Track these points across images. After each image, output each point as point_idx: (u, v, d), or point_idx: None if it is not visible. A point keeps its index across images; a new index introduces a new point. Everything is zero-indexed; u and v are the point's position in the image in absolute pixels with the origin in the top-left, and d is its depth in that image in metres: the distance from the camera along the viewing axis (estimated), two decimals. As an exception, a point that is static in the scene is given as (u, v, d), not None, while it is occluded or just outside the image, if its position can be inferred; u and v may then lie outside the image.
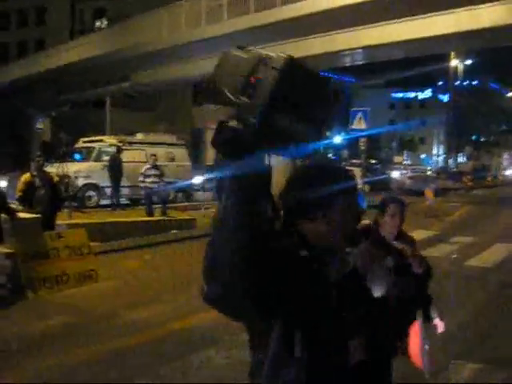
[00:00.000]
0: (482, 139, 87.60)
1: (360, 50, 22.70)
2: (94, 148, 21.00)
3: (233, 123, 1.31)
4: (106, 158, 19.87)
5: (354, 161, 30.78)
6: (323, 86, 1.48)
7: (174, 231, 14.09)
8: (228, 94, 1.33)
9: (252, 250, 1.33)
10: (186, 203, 21.33)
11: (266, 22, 22.15)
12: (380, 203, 3.88)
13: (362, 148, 16.48)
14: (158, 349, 5.98)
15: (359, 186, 15.89)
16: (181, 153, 23.45)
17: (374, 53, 23.69)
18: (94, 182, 19.61)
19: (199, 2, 25.81)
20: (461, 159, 65.76)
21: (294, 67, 1.33)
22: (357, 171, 19.90)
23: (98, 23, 49.25)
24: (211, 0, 25.56)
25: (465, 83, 65.62)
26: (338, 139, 40.07)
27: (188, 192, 23.42)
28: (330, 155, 55.02)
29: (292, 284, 1.49)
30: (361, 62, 27.11)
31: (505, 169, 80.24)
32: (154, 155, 17.13)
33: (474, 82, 79.12)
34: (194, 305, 7.72)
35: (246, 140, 1.30)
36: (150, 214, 15.96)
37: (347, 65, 28.11)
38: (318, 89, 1.44)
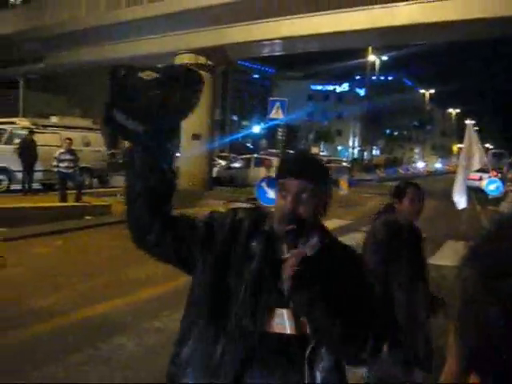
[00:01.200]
0: (395, 133, 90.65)
1: (278, 41, 22.85)
2: (5, 130, 20.14)
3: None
4: (19, 141, 19.12)
5: (272, 150, 31.10)
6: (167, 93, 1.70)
7: (88, 217, 13.78)
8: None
9: None
10: (102, 189, 20.91)
11: (185, 8, 21.96)
12: (395, 189, 3.79)
13: (280, 137, 16.65)
14: (68, 336, 5.84)
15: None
16: (97, 138, 22.92)
17: (292, 44, 23.90)
18: (4, 165, 18.82)
19: (119, -16, 25.28)
20: (375, 152, 67.69)
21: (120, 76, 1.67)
22: (275, 161, 20.17)
23: (12, -1, 47.13)
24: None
25: (381, 78, 67.58)
26: (256, 129, 40.38)
27: (103, 178, 22.96)
28: (248, 144, 55.24)
29: None
30: (279, 53, 27.37)
31: (415, 162, 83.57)
32: (69, 139, 16.63)
33: (390, 78, 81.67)
34: (104, 292, 7.62)
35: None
36: (64, 199, 15.53)
37: (266, 55, 28.26)
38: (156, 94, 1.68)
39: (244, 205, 17.02)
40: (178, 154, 26.82)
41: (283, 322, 1.79)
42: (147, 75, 1.67)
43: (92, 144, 22.07)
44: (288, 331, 1.78)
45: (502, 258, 0.55)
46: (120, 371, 5.09)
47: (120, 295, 7.48)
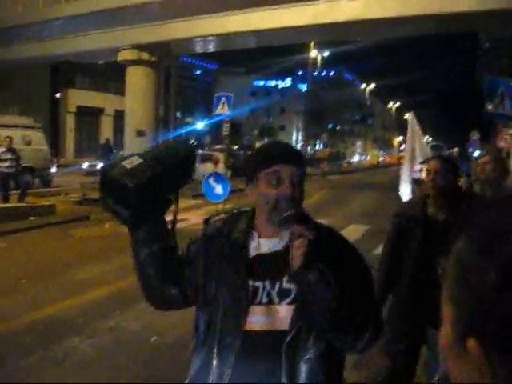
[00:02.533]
0: (337, 128, 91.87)
1: (221, 37, 22.85)
2: None
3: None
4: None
5: (217, 146, 31.07)
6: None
7: (32, 218, 13.47)
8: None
9: None
10: (44, 189, 20.46)
11: (127, 4, 21.69)
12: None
13: (226, 133, 16.65)
14: (18, 340, 5.72)
15: (223, 171, 16.08)
16: (38, 136, 22.38)
17: (235, 40, 23.93)
18: None
19: (58, -22, 24.73)
20: (318, 146, 68.44)
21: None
22: (220, 156, 20.15)
23: None
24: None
25: (323, 74, 68.37)
26: (200, 125, 40.19)
27: (45, 178, 22.45)
28: (192, 141, 54.86)
29: None
30: (222, 49, 27.41)
31: (357, 155, 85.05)
32: (9, 138, 16.18)
33: (331, 73, 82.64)
34: (53, 293, 7.49)
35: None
36: (5, 199, 15.12)
37: (209, 51, 28.24)
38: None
39: (193, 202, 16.96)
40: (121, 152, 26.49)
41: (259, 319, 1.82)
42: (130, 163, 1.87)
43: (33, 143, 21.55)
44: (265, 327, 1.81)
45: (492, 228, 0.60)
46: (73, 372, 5.03)
47: (69, 296, 7.36)
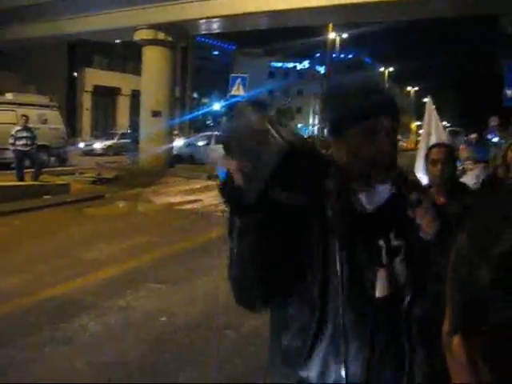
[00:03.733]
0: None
1: (238, 18, 22.57)
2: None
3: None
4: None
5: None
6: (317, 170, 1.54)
7: (47, 196, 13.54)
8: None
9: None
10: (60, 168, 20.56)
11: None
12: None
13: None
14: (28, 317, 5.75)
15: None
16: (54, 115, 22.44)
17: (251, 20, 23.55)
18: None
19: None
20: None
21: (291, 157, 1.37)
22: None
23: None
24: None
25: (341, 56, 67.78)
26: (216, 106, 40.12)
27: (62, 156, 22.56)
28: (208, 122, 54.83)
29: None
30: (239, 30, 27.16)
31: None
32: (25, 116, 16.22)
33: (350, 56, 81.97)
34: (65, 271, 7.52)
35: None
36: (21, 178, 15.20)
37: (226, 31, 28.02)
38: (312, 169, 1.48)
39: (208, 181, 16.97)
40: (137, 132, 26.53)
41: (384, 282, 1.61)
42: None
43: (49, 122, 21.63)
44: (387, 291, 1.60)
45: (488, 222, 0.57)
46: (82, 351, 5.04)
47: (80, 275, 7.38)
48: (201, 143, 29.05)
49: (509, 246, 0.53)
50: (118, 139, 33.89)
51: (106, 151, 31.99)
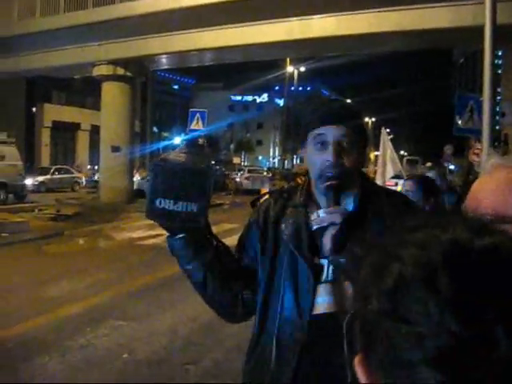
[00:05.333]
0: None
1: (198, 53, 22.92)
2: None
3: None
4: None
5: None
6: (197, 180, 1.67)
7: (5, 234, 13.31)
8: None
9: None
10: (18, 205, 20.24)
11: (103, 19, 21.65)
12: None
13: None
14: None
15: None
16: (12, 151, 22.18)
17: (211, 55, 24.06)
18: None
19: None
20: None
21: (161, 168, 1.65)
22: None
23: None
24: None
25: (299, 89, 68.78)
26: (177, 140, 40.15)
27: (20, 193, 22.23)
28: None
29: None
30: (191, 65, 27.50)
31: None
32: (-18, 153, 15.99)
33: (308, 88, 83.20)
34: (24, 310, 7.39)
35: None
36: (-23, 216, 14.91)
37: (186, 66, 28.27)
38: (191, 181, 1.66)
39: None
40: (96, 167, 26.33)
41: (326, 299, 1.63)
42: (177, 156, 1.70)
43: (6, 158, 21.36)
44: (332, 309, 1.61)
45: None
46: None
47: (40, 313, 7.27)
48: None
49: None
50: (52, 174, 32.22)
51: (38, 187, 29.50)
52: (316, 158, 1.67)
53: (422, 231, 0.60)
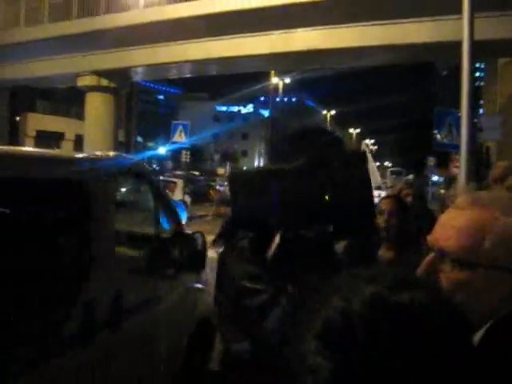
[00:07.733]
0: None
1: (182, 64, 23.00)
2: None
3: None
4: None
5: (178, 172, 31.06)
6: None
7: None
8: None
9: None
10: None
11: (87, 30, 21.67)
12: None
13: (184, 160, 16.71)
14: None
15: (179, 198, 16.05)
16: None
17: (196, 68, 24.24)
18: None
19: (18, 2, 24.64)
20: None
21: None
22: (179, 182, 20.07)
23: None
24: (31, 1, 24.49)
25: (285, 100, 69.12)
26: (162, 150, 40.08)
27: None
28: (154, 166, 54.48)
29: None
30: (183, 76, 27.53)
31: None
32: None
33: (293, 99, 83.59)
34: None
35: None
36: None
37: (162, 78, 28.31)
38: None
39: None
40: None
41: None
42: None
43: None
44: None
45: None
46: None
47: None
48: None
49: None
50: None
51: None
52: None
53: (351, 282, 0.64)
